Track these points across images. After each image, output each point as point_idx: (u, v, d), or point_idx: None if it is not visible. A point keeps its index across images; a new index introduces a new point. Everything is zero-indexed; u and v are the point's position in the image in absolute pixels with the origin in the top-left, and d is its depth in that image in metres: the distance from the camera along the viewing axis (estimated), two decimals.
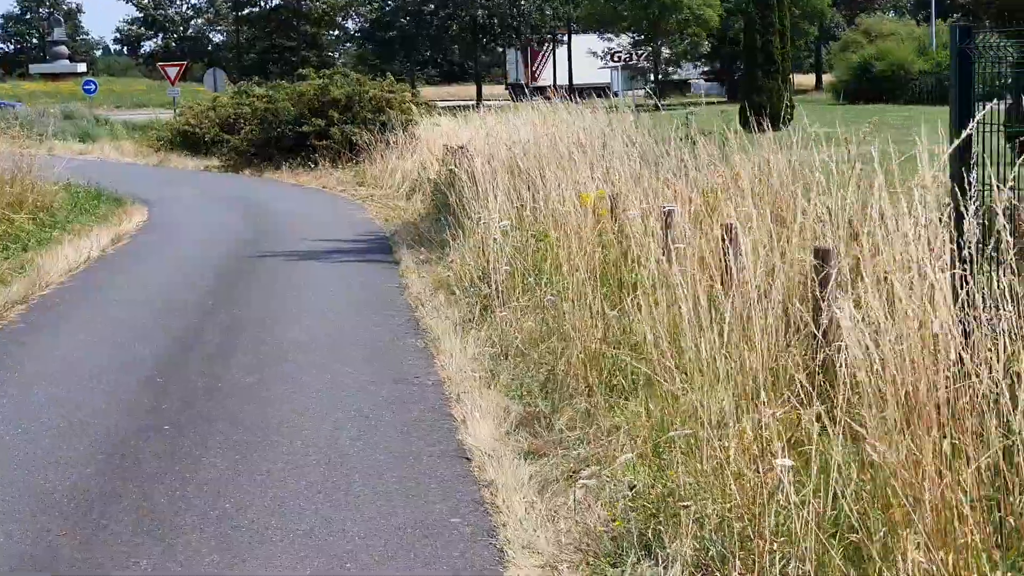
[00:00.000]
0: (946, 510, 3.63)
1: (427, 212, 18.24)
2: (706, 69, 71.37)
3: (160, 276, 14.33)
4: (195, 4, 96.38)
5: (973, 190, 3.96)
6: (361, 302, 12.28)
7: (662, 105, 14.79)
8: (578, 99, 16.85)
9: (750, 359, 5.16)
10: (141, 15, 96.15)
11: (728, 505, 4.54)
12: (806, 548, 4.10)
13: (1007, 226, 3.79)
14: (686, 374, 5.69)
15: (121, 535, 5.69)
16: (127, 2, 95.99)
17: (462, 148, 16.96)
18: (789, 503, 4.18)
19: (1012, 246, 3.80)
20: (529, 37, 76.14)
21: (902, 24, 66.76)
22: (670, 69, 67.38)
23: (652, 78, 64.64)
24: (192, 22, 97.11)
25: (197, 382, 8.74)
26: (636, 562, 4.78)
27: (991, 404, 3.73)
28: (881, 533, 3.91)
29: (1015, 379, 3.80)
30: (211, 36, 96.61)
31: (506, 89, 59.33)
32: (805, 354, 5.63)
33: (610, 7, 61.74)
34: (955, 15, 75.96)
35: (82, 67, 77.81)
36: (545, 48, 73.34)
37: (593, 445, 6.26)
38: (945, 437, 3.73)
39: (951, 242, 4.04)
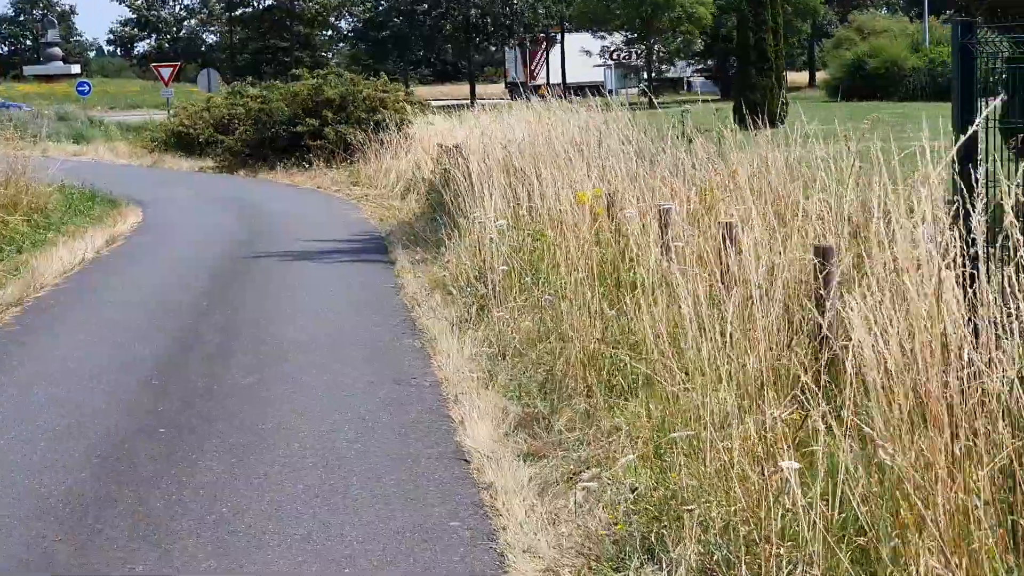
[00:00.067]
0: (959, 514, 3.57)
1: (422, 211, 18.18)
2: (700, 67, 71.36)
3: (155, 277, 14.26)
4: (188, 5, 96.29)
5: (980, 186, 3.90)
6: (357, 302, 12.21)
7: (659, 103, 14.72)
8: (573, 97, 16.78)
9: (752, 359, 5.10)
10: (134, 16, 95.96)
11: (733, 508, 4.48)
12: (814, 552, 4.04)
13: (1015, 223, 3.73)
14: (687, 374, 5.62)
15: (117, 540, 5.62)
16: (120, 3, 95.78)
17: (457, 147, 16.89)
18: (796, 506, 4.11)
19: (1023, 243, 3.73)
20: (522, 36, 76.10)
21: (895, 21, 66.74)
22: (663, 67, 67.35)
23: (645, 76, 64.62)
24: (185, 23, 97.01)
25: (194, 383, 8.67)
26: (639, 566, 4.71)
27: (1003, 405, 3.67)
28: (892, 537, 3.84)
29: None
30: (204, 37, 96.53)
31: (506, 88, 59.20)
32: (807, 354, 5.57)
33: (603, 5, 61.77)
34: (947, 11, 76.01)
35: (76, 68, 77.78)
36: (544, 47, 73.27)
37: (593, 446, 6.19)
38: (956, 438, 3.66)
39: (959, 240, 3.97)
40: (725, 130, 10.48)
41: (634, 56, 65.80)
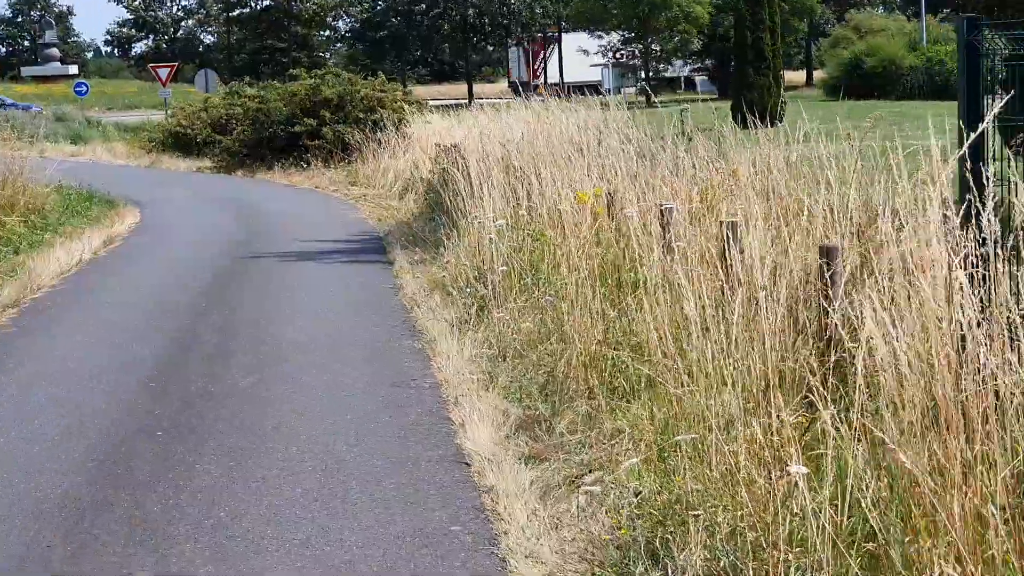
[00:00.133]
0: (975, 520, 3.50)
1: (420, 211, 18.11)
2: (698, 66, 71.29)
3: (153, 278, 14.20)
4: (185, 5, 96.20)
5: (992, 185, 3.83)
6: (356, 303, 12.14)
7: (658, 103, 14.65)
8: (572, 95, 16.70)
9: (758, 360, 5.02)
10: (132, 17, 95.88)
11: (739, 513, 4.40)
12: (823, 558, 3.97)
13: None
14: (690, 376, 5.55)
15: (114, 545, 5.55)
16: (118, 4, 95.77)
17: (455, 147, 16.82)
18: (805, 511, 4.03)
19: None
20: (520, 35, 76.00)
21: (892, 19, 66.69)
22: (660, 66, 67.28)
23: (643, 75, 64.55)
24: (183, 23, 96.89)
25: (192, 384, 8.61)
26: (644, 572, 4.63)
27: (1017, 408, 3.59)
28: (903, 543, 3.76)
29: None
30: (202, 37, 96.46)
31: (509, 87, 59.10)
32: (812, 355, 5.49)
33: (600, 5, 61.69)
34: (945, 10, 76.02)
35: (73, 69, 77.66)
36: (547, 46, 73.14)
37: (595, 449, 6.12)
38: (971, 443, 3.59)
39: (972, 239, 3.90)
40: (725, 128, 10.41)
41: (634, 54, 65.68)
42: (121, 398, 8.28)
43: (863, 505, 3.98)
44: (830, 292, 5.46)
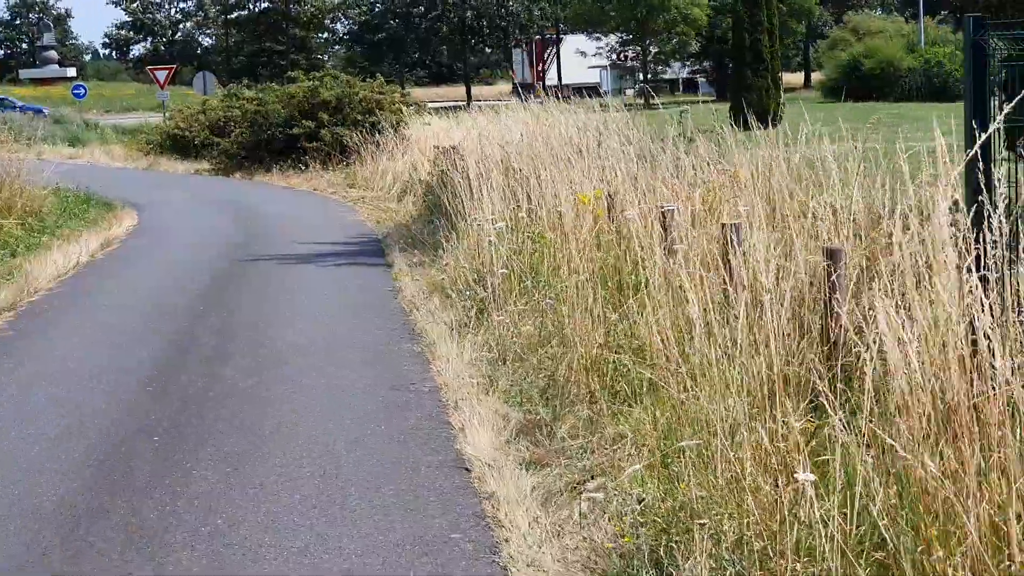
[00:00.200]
0: (990, 530, 3.42)
1: (419, 214, 18.04)
2: (696, 68, 71.28)
3: (150, 280, 14.13)
4: (184, 8, 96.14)
5: (1004, 187, 3.76)
6: (354, 305, 12.07)
7: (660, 104, 14.59)
8: (572, 96, 16.65)
9: (763, 364, 4.94)
10: (130, 19, 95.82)
11: (745, 521, 4.32)
12: (832, 568, 3.89)
13: None
14: (694, 380, 5.47)
15: (110, 553, 5.47)
16: (116, 6, 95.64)
17: (454, 148, 16.75)
18: (813, 520, 3.95)
19: None
20: (518, 37, 75.94)
21: (890, 21, 66.71)
22: (659, 68, 67.26)
23: (641, 77, 64.53)
24: (181, 26, 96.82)
25: (191, 387, 8.54)
26: None
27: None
28: (914, 552, 3.68)
29: None
30: (200, 40, 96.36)
31: (513, 89, 58.97)
32: (817, 359, 5.42)
33: (598, 7, 61.66)
34: (943, 12, 76.07)
35: (71, 72, 77.61)
36: (551, 48, 73.03)
37: (597, 455, 6.04)
38: (986, 450, 3.51)
39: (980, 241, 3.82)
40: (725, 129, 10.35)
41: (631, 55, 65.65)
42: (120, 398, 8.26)
43: (872, 513, 3.90)
44: (838, 295, 5.38)
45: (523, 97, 18.30)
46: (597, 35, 66.17)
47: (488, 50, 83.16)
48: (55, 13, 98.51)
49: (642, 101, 40.34)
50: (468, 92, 70.89)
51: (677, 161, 9.93)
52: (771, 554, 4.13)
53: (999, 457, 3.49)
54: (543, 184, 10.68)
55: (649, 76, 64.14)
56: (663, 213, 8.11)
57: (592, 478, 5.78)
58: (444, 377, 8.40)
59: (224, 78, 58.88)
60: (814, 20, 71.17)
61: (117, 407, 8.05)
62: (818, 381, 4.25)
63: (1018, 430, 3.63)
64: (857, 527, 4.02)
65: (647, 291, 6.90)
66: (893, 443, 3.70)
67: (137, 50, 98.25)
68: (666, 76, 69.62)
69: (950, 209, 3.87)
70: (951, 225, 3.82)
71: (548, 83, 61.02)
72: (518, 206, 11.13)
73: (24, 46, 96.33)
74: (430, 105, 35.93)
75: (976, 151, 4.26)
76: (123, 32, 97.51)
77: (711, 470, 4.74)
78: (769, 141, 9.31)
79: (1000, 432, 3.50)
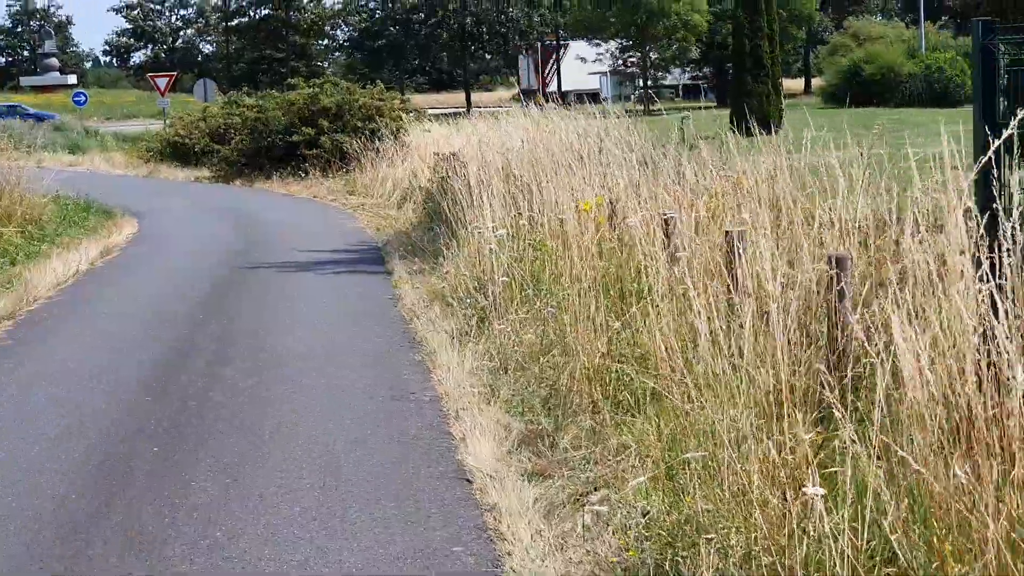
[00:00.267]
0: (1008, 547, 3.34)
1: (419, 221, 17.98)
2: (696, 74, 71.27)
3: (150, 288, 14.08)
4: (184, 15, 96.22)
5: (1019, 193, 3.69)
6: (354, 313, 12.00)
7: (664, 110, 14.52)
8: (573, 102, 16.61)
9: (770, 375, 4.86)
10: (131, 27, 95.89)
11: (753, 535, 4.24)
12: None
13: None
14: (699, 390, 5.39)
15: (108, 571, 5.39)
16: (117, 14, 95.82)
17: (454, 155, 16.69)
18: (822, 534, 3.87)
19: None
20: (518, 43, 75.92)
21: (890, 27, 66.74)
22: (659, 74, 67.23)
23: (641, 83, 64.50)
24: (181, 33, 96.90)
25: (190, 395, 8.49)
26: None
27: None
28: (927, 568, 3.60)
29: None
30: (201, 47, 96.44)
31: (519, 95, 58.93)
32: (827, 369, 5.33)
33: (598, 13, 61.66)
34: (943, 17, 76.09)
35: (72, 79, 77.63)
36: (556, 54, 72.98)
37: (601, 466, 5.96)
38: (1007, 464, 3.43)
39: (994, 250, 3.75)
40: (728, 135, 10.27)
41: (631, 61, 65.62)
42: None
43: (883, 527, 3.82)
44: (848, 303, 5.30)
45: (524, 103, 18.24)
46: (597, 41, 66.15)
47: (488, 57, 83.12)
48: (56, 20, 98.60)
49: (642, 107, 40.26)
50: (468, 98, 70.86)
51: (679, 168, 9.86)
52: (780, 569, 4.05)
53: (1020, 471, 3.40)
54: (544, 191, 10.61)
55: (649, 82, 64.11)
56: (665, 220, 8.04)
57: (595, 490, 5.70)
58: (445, 386, 8.32)
59: (224, 85, 58.83)
60: (814, 26, 71.22)
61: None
62: (828, 392, 4.16)
63: None
64: (867, 541, 3.95)
65: (650, 299, 6.82)
66: (907, 456, 3.62)
67: (138, 57, 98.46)
68: (666, 82, 69.60)
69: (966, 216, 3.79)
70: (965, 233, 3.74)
71: (548, 89, 60.93)
72: (519, 213, 11.06)
73: (25, 53, 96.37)
74: (430, 111, 35.87)
75: (990, 156, 4.18)
76: (124, 39, 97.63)
77: (717, 483, 4.66)
78: (771, 147, 9.25)
79: (1022, 446, 3.42)
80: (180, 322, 11.57)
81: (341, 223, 20.98)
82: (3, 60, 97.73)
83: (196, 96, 41.22)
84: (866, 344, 4.43)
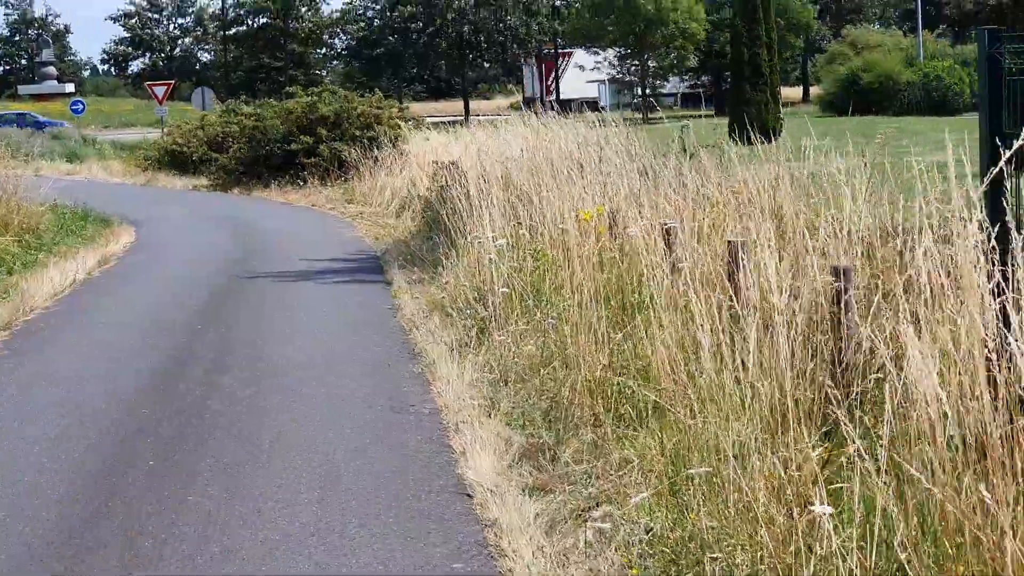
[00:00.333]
0: (1020, 569, 3.26)
1: (418, 230, 17.91)
2: (694, 82, 71.28)
3: (148, 296, 14.02)
4: (182, 24, 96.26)
5: None
6: (353, 323, 11.92)
7: (664, 118, 14.47)
8: (572, 110, 16.56)
9: (775, 388, 4.79)
10: (129, 35, 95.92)
11: (759, 553, 4.16)
12: None
13: None
14: (702, 403, 5.32)
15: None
16: (115, 22, 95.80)
17: (454, 164, 16.63)
18: (830, 553, 3.80)
19: None
20: (516, 52, 75.94)
21: (888, 35, 66.78)
22: (657, 83, 67.25)
23: (639, 92, 64.54)
24: (179, 42, 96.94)
25: (187, 405, 8.42)
26: None
27: None
28: None
29: None
30: (199, 55, 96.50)
31: (524, 103, 58.87)
32: (827, 382, 5.26)
33: (596, 22, 61.68)
34: (941, 25, 76.12)
35: (70, 87, 77.68)
36: (561, 63, 72.97)
37: (603, 480, 5.87)
38: (1017, 483, 3.35)
39: (1003, 263, 3.68)
40: (728, 144, 10.23)
41: (630, 69, 65.64)
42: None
43: (892, 546, 3.74)
44: (853, 315, 5.23)
45: (524, 111, 18.21)
46: (595, 50, 66.16)
47: (486, 65, 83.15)
48: (54, 29, 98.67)
49: (640, 116, 40.27)
50: (466, 107, 70.87)
51: (680, 177, 9.80)
52: None
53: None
54: (543, 201, 10.54)
55: (648, 91, 64.14)
56: (667, 230, 7.98)
57: (597, 505, 5.63)
58: (444, 398, 8.24)
59: (222, 93, 58.82)
60: (812, 34, 71.24)
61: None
62: (836, 408, 4.09)
63: None
64: (876, 561, 3.87)
65: (652, 310, 6.74)
66: (918, 475, 3.54)
67: (136, 66, 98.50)
68: (664, 90, 69.59)
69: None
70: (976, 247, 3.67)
71: (549, 98, 60.97)
72: (519, 223, 10.99)
73: (23, 62, 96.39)
74: (428, 120, 35.85)
75: (1001, 167, 4.12)
76: (122, 48, 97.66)
77: (722, 499, 4.59)
78: (770, 155, 9.20)
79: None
80: (179, 332, 11.51)
81: (339, 232, 20.92)
82: (1, 69, 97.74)
83: (194, 104, 41.19)
84: (873, 358, 4.35)
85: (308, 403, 8.45)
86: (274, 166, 29.41)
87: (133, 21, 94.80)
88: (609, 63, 65.97)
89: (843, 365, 5.28)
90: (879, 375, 4.42)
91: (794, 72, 77.53)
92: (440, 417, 7.86)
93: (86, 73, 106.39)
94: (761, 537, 4.18)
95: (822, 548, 3.90)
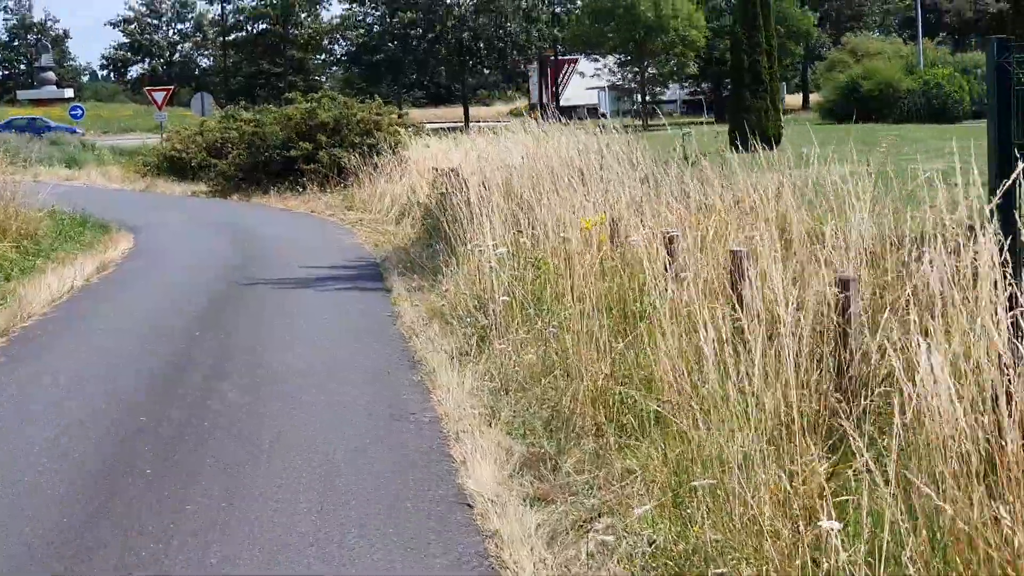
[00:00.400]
0: None
1: (417, 237, 17.87)
2: (694, 90, 71.36)
3: (147, 302, 13.97)
4: (182, 29, 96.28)
5: None
6: (352, 330, 11.87)
7: (667, 125, 14.43)
8: (574, 118, 16.54)
9: (781, 400, 4.74)
10: (128, 40, 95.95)
11: (764, 568, 4.11)
12: None
13: None
14: (705, 413, 5.26)
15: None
16: (114, 28, 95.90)
17: (454, 171, 16.58)
18: (837, 569, 3.74)
19: None
20: (516, 59, 75.97)
21: (888, 43, 66.86)
22: (657, 89, 67.32)
23: (639, 99, 64.59)
24: (179, 47, 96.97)
25: (186, 413, 8.37)
26: None
27: None
28: None
29: None
30: (198, 61, 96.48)
31: (531, 108, 58.88)
32: (833, 395, 5.21)
33: (596, 29, 61.75)
34: (942, 33, 76.17)
35: (69, 92, 77.59)
36: (566, 69, 72.98)
37: (605, 491, 5.82)
38: None
39: (1015, 275, 3.64)
40: (729, 152, 10.19)
41: (630, 76, 65.71)
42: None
43: (901, 562, 3.69)
44: (860, 327, 5.19)
45: (526, 116, 18.18)
46: (595, 56, 66.22)
47: (486, 71, 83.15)
48: (53, 34, 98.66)
49: (639, 123, 40.28)
50: (466, 113, 70.88)
51: (682, 185, 9.76)
52: None
53: None
54: (544, 209, 10.50)
55: (647, 98, 64.18)
56: (669, 239, 7.93)
57: (599, 516, 5.57)
58: (445, 407, 8.19)
59: (222, 99, 58.87)
60: (812, 42, 71.32)
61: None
62: (843, 420, 4.04)
63: None
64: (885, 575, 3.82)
65: (655, 319, 6.69)
66: (928, 491, 3.49)
67: (135, 71, 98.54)
68: (664, 97, 69.65)
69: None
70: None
71: (545, 103, 60.96)
72: (519, 231, 10.94)
73: (22, 67, 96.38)
74: (428, 126, 35.79)
75: (1017, 177, 4.07)
76: (121, 53, 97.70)
77: (726, 512, 4.53)
78: (772, 163, 9.16)
79: None
80: (177, 338, 11.45)
81: (339, 238, 20.87)
82: (0, 74, 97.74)
83: (193, 110, 41.17)
84: (879, 369, 4.30)
85: (308, 410, 8.40)
86: (273, 172, 29.36)
87: (132, 26, 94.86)
88: (609, 70, 66.04)
89: (848, 376, 5.23)
90: (886, 387, 4.36)
91: (794, 79, 77.61)
92: (440, 426, 7.81)
93: (85, 78, 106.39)
94: (766, 551, 4.13)
95: (829, 562, 3.85)
